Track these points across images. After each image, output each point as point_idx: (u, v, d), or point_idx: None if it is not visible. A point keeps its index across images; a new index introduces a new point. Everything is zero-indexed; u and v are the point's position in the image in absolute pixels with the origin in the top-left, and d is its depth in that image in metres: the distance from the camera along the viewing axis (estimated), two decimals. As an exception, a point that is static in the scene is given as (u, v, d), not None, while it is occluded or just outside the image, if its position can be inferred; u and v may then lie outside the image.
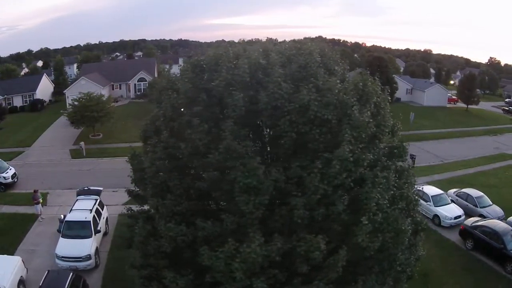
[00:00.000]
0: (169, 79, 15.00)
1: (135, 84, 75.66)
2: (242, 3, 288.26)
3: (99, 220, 22.81)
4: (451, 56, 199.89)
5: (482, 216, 27.55)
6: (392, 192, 12.49)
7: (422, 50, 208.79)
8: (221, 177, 11.70)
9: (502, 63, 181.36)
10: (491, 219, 26.19)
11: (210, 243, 11.41)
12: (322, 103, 11.41)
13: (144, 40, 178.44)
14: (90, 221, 21.63)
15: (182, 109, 13.11)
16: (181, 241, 11.78)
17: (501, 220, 26.32)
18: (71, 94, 57.13)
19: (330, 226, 11.50)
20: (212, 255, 10.87)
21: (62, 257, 19.90)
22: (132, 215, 15.57)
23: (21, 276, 18.39)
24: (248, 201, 10.84)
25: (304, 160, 11.43)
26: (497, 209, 28.68)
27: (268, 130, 13.00)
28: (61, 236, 20.97)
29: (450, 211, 27.67)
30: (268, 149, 13.23)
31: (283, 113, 11.49)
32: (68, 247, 20.18)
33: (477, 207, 28.90)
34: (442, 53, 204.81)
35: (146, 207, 15.80)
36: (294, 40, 16.92)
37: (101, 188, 25.66)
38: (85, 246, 20.35)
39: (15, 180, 32.74)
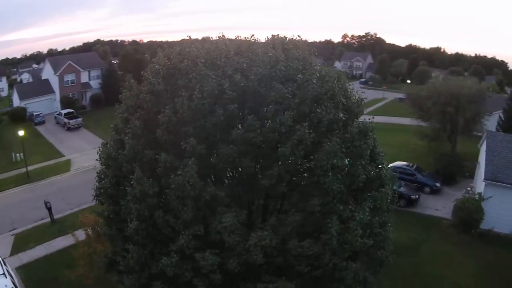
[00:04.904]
0: (150, 81, 13.04)
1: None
2: (22, 17, 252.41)
3: (16, 280, 18.04)
4: (236, 39, 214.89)
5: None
6: None
7: (200, 38, 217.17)
8: (286, 169, 11.44)
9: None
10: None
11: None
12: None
13: None
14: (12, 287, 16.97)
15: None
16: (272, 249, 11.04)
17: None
18: None
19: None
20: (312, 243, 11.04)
21: None
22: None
23: None
24: (333, 179, 11.35)
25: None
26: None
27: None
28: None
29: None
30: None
31: (320, 98, 12.20)
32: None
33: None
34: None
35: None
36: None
37: (-8, 241, 20.23)
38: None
39: None
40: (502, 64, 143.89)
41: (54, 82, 62.08)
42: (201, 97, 11.56)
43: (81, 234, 20.36)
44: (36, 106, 58.79)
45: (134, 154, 12.93)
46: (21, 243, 24.82)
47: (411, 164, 33.03)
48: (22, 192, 33.36)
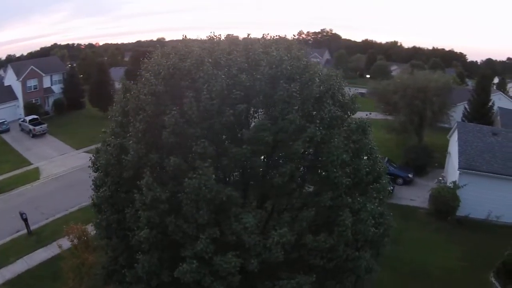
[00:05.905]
0: (151, 82, 12.66)
1: None
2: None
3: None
4: (185, 39, 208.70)
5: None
6: None
7: (155, 39, 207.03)
8: (297, 166, 11.96)
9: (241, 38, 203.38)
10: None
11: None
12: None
13: None
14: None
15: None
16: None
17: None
18: None
19: None
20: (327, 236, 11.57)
21: None
22: None
23: None
24: (342, 174, 11.85)
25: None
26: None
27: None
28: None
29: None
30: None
31: (323, 96, 12.67)
32: None
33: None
34: (175, 38, 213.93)
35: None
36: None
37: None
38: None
39: None
40: (461, 56, 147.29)
41: (17, 88, 59.41)
42: (209, 97, 11.48)
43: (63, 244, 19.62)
44: (-1, 113, 56.14)
45: (139, 159, 12.56)
46: (0, 258, 23.64)
47: (382, 157, 33.85)
48: (-6, 204, 31.83)
